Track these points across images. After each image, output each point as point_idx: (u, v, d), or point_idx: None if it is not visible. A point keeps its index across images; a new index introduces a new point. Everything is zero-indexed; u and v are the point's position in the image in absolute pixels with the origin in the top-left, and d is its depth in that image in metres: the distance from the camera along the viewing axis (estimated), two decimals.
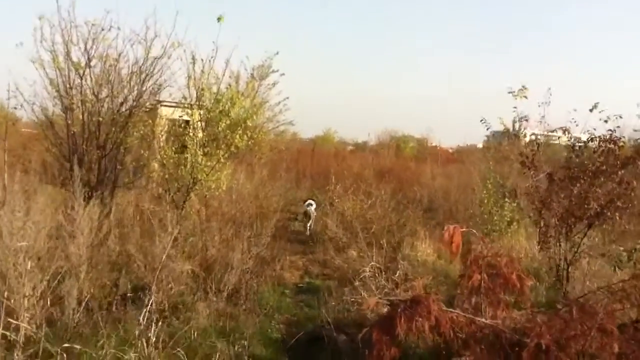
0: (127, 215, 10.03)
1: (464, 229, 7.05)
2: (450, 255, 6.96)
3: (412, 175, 20.39)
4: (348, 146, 44.89)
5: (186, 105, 10.97)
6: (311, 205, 15.34)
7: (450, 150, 46.22)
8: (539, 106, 13.49)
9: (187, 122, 10.96)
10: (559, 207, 8.87)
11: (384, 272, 9.14)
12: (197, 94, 10.83)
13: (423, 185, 18.02)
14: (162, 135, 12.01)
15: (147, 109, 12.46)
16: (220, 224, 10.72)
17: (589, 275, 9.01)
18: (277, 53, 21.64)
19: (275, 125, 23.94)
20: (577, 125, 9.50)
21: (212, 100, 10.88)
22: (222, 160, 10.70)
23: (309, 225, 15.10)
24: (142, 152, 11.08)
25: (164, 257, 7.06)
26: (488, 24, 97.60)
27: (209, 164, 10.61)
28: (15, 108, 12.01)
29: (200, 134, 10.88)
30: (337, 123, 79.37)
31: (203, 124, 10.93)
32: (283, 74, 22.24)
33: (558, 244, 8.92)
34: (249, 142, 10.99)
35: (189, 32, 14.12)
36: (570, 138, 9.38)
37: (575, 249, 8.79)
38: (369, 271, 8.91)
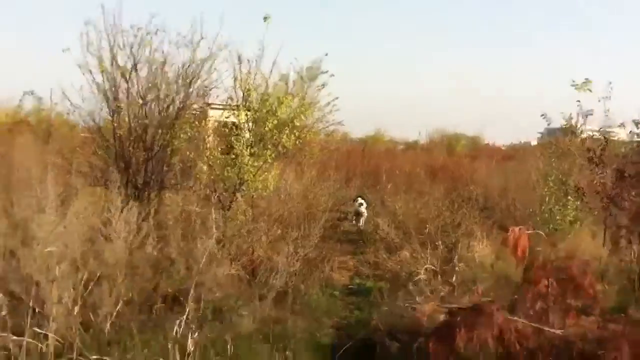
0: (171, 217, 9.75)
1: (530, 231, 6.41)
2: (515, 259, 6.31)
3: (465, 173, 19.57)
4: (399, 145, 44.03)
5: (233, 107, 10.62)
6: (362, 204, 14.99)
7: (504, 148, 44.80)
8: (599, 101, 12.73)
9: (234, 124, 10.63)
10: (631, 205, 8.09)
11: (439, 275, 8.56)
12: (243, 94, 10.48)
13: (478, 183, 17.20)
14: (209, 137, 11.73)
15: (196, 112, 12.25)
16: (268, 225, 10.37)
17: None
18: (327, 54, 21.36)
19: (325, 126, 23.61)
20: None
21: (259, 101, 10.50)
22: (269, 160, 10.31)
23: (360, 224, 14.75)
24: (188, 153, 10.77)
25: (203, 259, 6.67)
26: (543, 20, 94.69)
27: (255, 164, 10.24)
28: (68, 113, 12.03)
29: (247, 135, 10.53)
30: (388, 122, 78.39)
31: (250, 124, 10.56)
32: (333, 75, 21.91)
33: (630, 245, 8.15)
34: (297, 142, 10.57)
35: (235, 33, 13.82)
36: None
37: None
38: (424, 274, 8.35)
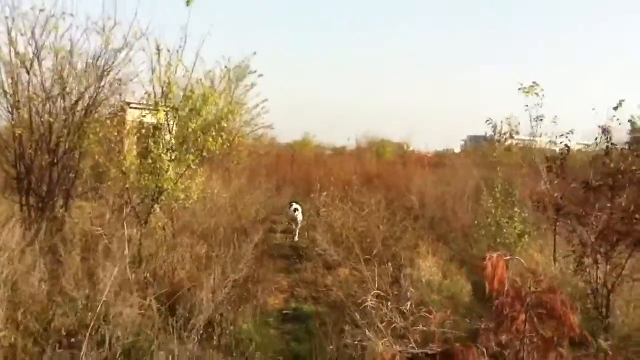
0: (76, 233, 8.14)
1: (508, 257, 5.33)
2: (489, 290, 5.20)
3: (400, 181, 18.67)
4: (327, 151, 43.10)
5: (151, 106, 9.09)
6: (297, 210, 13.78)
7: (429, 155, 44.75)
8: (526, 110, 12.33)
9: (154, 125, 9.09)
10: (597, 221, 7.19)
11: (388, 300, 7.37)
12: (162, 90, 8.96)
13: (413, 192, 16.34)
14: (125, 140, 10.10)
15: (112, 111, 10.64)
16: (192, 241, 8.91)
17: (633, 303, 7.40)
18: (255, 53, 20.09)
19: (253, 129, 22.23)
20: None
21: (181, 98, 9.03)
22: (192, 166, 8.84)
23: (295, 233, 13.57)
24: (97, 157, 9.15)
25: (107, 290, 5.18)
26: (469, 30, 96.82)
27: (177, 170, 8.76)
28: None
29: (167, 137, 9.02)
30: (314, 128, 77.69)
31: (172, 124, 9.07)
32: (261, 75, 20.63)
33: (596, 265, 7.24)
34: (225, 146, 9.16)
35: (155, 20, 12.26)
36: (608, 140, 7.68)
37: (618, 273, 7.11)
38: (371, 300, 7.14)
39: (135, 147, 9.81)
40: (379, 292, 7.41)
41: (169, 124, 9.11)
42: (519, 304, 5.38)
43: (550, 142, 12.07)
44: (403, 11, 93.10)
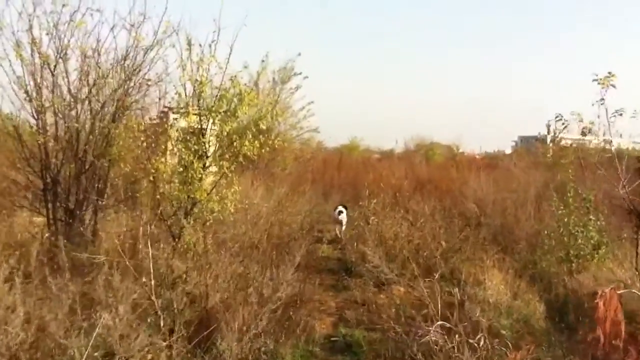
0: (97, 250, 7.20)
1: (622, 291, 4.03)
2: (603, 334, 3.92)
3: (453, 185, 17.20)
4: (374, 154, 41.83)
5: (192, 109, 8.04)
6: (342, 212, 13.63)
7: (478, 157, 42.92)
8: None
9: (198, 129, 8.08)
10: None
11: (454, 332, 6.11)
12: (194, 89, 7.94)
13: (470, 198, 14.90)
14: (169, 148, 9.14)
15: (156, 119, 9.76)
16: (228, 259, 7.83)
17: None
18: (300, 54, 19.11)
19: (299, 133, 21.18)
20: None
21: (214, 98, 7.99)
22: (228, 173, 7.78)
23: (341, 232, 13.40)
24: (122, 165, 8.20)
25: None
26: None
27: (210, 179, 7.73)
28: None
29: (211, 142, 8.00)
30: (362, 131, 76.29)
31: (205, 127, 8.05)
32: (307, 77, 19.61)
33: None
34: (264, 150, 8.07)
35: (187, 13, 11.32)
36: None
37: None
38: (433, 334, 5.91)
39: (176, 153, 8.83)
40: (443, 322, 6.17)
41: (202, 128, 8.07)
42: (634, 351, 4.08)
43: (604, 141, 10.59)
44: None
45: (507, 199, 13.43)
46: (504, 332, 7.31)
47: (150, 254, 6.31)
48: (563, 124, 9.80)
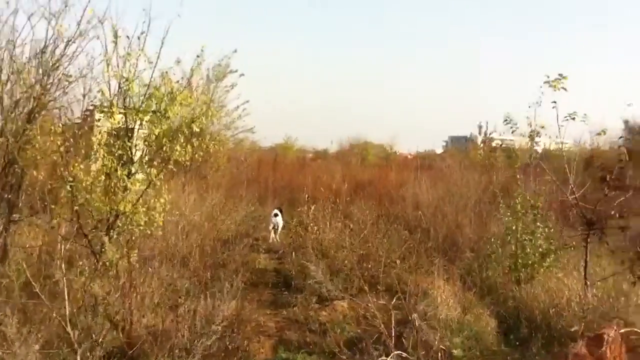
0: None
1: (624, 330, 3.54)
2: None
3: (392, 187, 16.75)
4: (309, 154, 41.27)
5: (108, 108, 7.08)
6: (277, 214, 13.63)
7: (410, 157, 43.15)
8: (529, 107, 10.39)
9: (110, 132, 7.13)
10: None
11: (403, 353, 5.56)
12: (119, 86, 7.02)
13: (409, 201, 14.50)
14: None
15: (78, 119, 8.67)
16: (154, 281, 6.98)
17: None
18: (236, 51, 18.15)
19: (233, 133, 20.19)
20: None
21: (142, 96, 7.10)
22: (156, 182, 6.92)
23: (277, 236, 13.35)
24: (36, 173, 7.16)
25: None
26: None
27: (136, 187, 6.84)
28: None
29: (135, 145, 7.09)
30: (296, 130, 75.72)
31: (133, 129, 7.14)
32: (242, 75, 18.68)
33: None
34: (197, 155, 7.25)
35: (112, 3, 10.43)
36: None
37: None
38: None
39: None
40: (399, 352, 5.58)
41: (127, 129, 7.16)
42: None
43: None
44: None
45: (448, 203, 13.06)
46: (455, 351, 6.86)
47: (63, 278, 5.41)
48: (512, 127, 9.45)
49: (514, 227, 9.24)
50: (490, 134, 36.48)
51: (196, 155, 7.72)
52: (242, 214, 13.21)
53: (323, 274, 8.28)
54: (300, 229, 11.35)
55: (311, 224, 11.15)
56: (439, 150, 50.05)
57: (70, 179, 6.71)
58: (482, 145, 33.33)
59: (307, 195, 12.96)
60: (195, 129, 7.03)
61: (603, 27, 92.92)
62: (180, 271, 8.33)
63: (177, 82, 6.96)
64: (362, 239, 9.51)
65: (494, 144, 31.93)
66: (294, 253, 10.44)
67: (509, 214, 9.54)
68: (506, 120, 9.52)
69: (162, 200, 7.21)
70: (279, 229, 13.50)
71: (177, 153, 6.89)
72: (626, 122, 27.89)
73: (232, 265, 9.60)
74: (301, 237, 10.77)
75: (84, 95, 8.57)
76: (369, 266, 8.75)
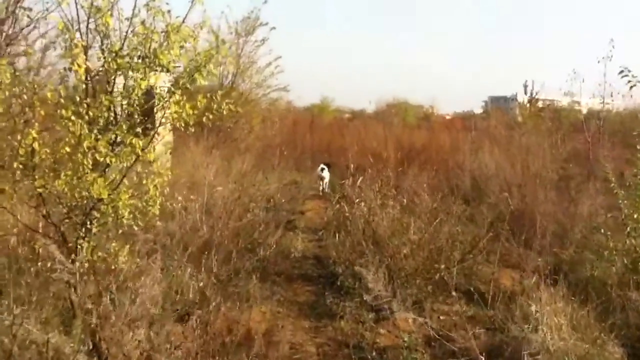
0: None
1: None
2: None
3: (445, 153, 14.15)
4: (346, 114, 38.66)
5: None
6: (324, 169, 13.47)
7: (448, 117, 40.25)
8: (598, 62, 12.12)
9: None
10: None
11: None
12: (88, 17, 4.62)
13: (466, 170, 11.91)
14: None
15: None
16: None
17: None
18: (266, 1, 15.66)
19: (265, 92, 17.69)
20: None
21: (125, 34, 4.70)
22: (141, 155, 4.60)
23: (323, 187, 13.32)
24: None
25: None
26: None
27: (116, 164, 4.55)
28: None
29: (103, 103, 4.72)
30: (332, 91, 72.66)
31: (112, 80, 4.79)
32: (274, 28, 16.15)
33: None
34: (205, 118, 4.89)
35: None
36: None
37: None
38: None
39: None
40: None
41: (108, 81, 4.81)
42: None
43: None
44: None
45: (519, 175, 10.42)
46: None
47: None
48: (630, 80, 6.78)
49: (631, 212, 6.60)
50: (536, 93, 33.19)
51: (205, 119, 5.29)
52: (276, 185, 10.90)
53: (380, 278, 5.91)
54: (345, 204, 8.99)
55: (358, 201, 8.78)
56: (478, 111, 46.93)
57: (22, 153, 4.43)
58: (528, 105, 30.61)
59: (350, 164, 10.61)
60: (201, 80, 4.63)
61: None
62: (194, 264, 6.16)
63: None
64: (427, 226, 7.01)
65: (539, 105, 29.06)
66: (337, 235, 8.15)
67: (622, 194, 6.87)
68: (621, 71, 6.87)
69: (156, 180, 4.89)
70: (327, 182, 13.32)
71: (172, 112, 4.53)
72: None
73: (261, 251, 7.44)
74: (347, 218, 8.41)
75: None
76: (442, 267, 6.30)
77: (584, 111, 26.36)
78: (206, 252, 6.64)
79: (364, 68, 73.55)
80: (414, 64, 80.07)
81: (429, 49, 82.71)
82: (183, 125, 4.87)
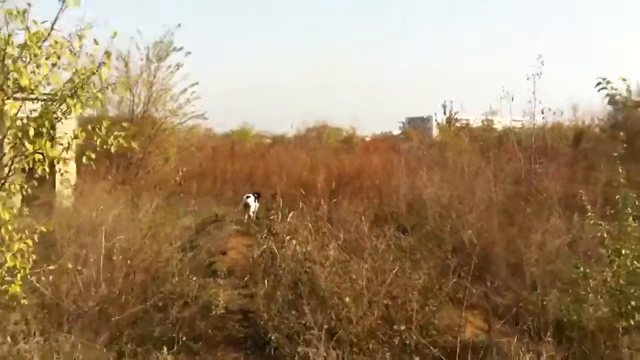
0: None
1: None
2: None
3: (378, 179, 13.03)
4: (266, 139, 37.20)
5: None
6: (249, 197, 11.98)
7: (368, 139, 39.80)
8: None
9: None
10: None
11: None
12: None
13: (402, 196, 10.90)
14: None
15: None
16: None
17: None
18: (180, 25, 14.65)
19: (181, 120, 16.21)
20: None
21: None
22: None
23: (249, 215, 11.63)
24: None
25: None
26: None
27: None
28: None
29: None
30: (252, 115, 71.32)
31: None
32: (189, 53, 14.98)
33: None
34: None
35: None
36: None
37: None
38: None
39: None
40: None
41: None
42: None
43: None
44: None
45: (464, 200, 9.56)
46: None
47: None
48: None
49: (623, 252, 5.53)
50: (455, 113, 33.45)
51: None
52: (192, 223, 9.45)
53: (322, 339, 4.68)
54: (274, 243, 7.73)
55: (289, 238, 7.58)
56: (396, 132, 47.24)
57: None
58: (447, 125, 30.95)
59: (274, 193, 9.40)
60: (75, 105, 3.29)
61: None
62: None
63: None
64: (374, 271, 5.84)
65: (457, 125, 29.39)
66: (266, 281, 6.86)
67: (603, 225, 5.83)
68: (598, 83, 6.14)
69: (17, 246, 3.45)
70: (255, 211, 11.79)
71: (28, 149, 3.16)
72: None
73: (174, 311, 6.08)
74: (277, 260, 7.16)
75: None
76: (400, 328, 5.13)
77: (499, 129, 26.84)
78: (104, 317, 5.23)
79: (283, 90, 72.68)
80: (334, 83, 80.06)
81: (349, 68, 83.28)
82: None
